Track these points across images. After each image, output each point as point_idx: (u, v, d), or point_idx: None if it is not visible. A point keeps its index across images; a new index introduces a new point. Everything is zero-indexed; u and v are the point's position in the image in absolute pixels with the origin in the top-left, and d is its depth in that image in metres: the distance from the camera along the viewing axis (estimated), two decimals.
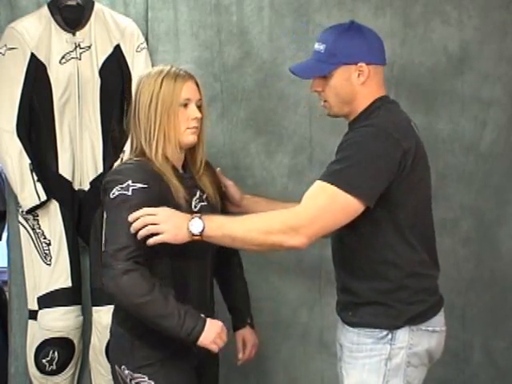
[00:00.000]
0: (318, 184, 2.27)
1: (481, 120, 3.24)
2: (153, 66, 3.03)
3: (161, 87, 2.42)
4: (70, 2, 3.04)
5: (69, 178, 3.05)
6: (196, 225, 2.29)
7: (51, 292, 3.04)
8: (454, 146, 3.25)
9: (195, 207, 2.46)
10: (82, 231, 3.08)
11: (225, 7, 3.17)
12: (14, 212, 3.13)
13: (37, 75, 2.99)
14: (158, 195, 2.36)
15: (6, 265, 3.25)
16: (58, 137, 3.02)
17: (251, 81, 3.19)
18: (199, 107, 2.47)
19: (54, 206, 3.04)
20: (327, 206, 2.24)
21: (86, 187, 3.06)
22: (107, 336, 2.91)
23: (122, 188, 2.35)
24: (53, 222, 3.04)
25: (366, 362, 2.35)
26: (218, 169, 2.70)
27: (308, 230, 2.24)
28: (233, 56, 3.18)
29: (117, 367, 2.48)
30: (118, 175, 2.40)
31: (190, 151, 2.53)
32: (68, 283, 3.05)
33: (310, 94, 2.51)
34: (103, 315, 2.98)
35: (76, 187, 3.07)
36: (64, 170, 3.04)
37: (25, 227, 3.07)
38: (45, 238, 3.05)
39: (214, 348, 2.36)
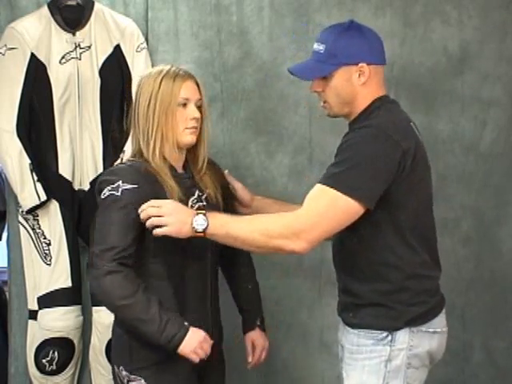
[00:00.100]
0: (318, 187, 2.27)
1: (481, 120, 3.24)
2: (153, 65, 3.03)
3: (159, 87, 2.41)
4: (70, 2, 3.04)
5: (69, 178, 3.05)
6: (200, 222, 2.29)
7: (51, 292, 3.05)
8: (454, 146, 3.25)
9: (192, 207, 2.45)
10: (81, 231, 3.08)
11: (225, 7, 3.17)
12: (14, 212, 3.13)
13: (37, 75, 2.99)
14: (149, 196, 2.36)
15: (6, 265, 3.25)
16: (58, 137, 3.02)
17: (251, 81, 3.19)
18: (199, 107, 2.46)
19: (54, 206, 3.04)
20: (328, 210, 2.23)
21: (86, 187, 3.06)
22: (107, 336, 2.92)
23: (112, 188, 2.36)
24: (53, 222, 3.04)
25: (366, 363, 2.35)
26: (227, 171, 2.69)
27: (309, 236, 2.24)
28: (233, 56, 3.18)
29: (115, 367, 2.48)
30: (110, 176, 2.42)
31: (192, 151, 2.52)
32: (68, 283, 3.05)
33: (310, 94, 2.51)
34: (103, 315, 2.97)
35: (76, 187, 3.07)
36: (64, 170, 3.04)
37: (25, 227, 3.07)
38: (45, 238, 3.05)
39: (194, 358, 2.34)
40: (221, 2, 3.17)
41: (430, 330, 2.36)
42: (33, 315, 3.08)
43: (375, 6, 3.19)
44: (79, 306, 3.09)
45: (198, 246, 2.42)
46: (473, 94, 3.23)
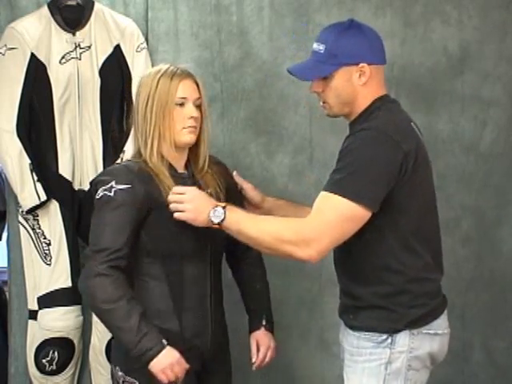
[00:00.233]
0: (323, 195, 2.25)
1: (481, 120, 3.24)
2: (153, 65, 3.03)
3: (157, 86, 2.41)
4: (69, 2, 3.04)
5: (69, 178, 3.05)
6: (217, 214, 2.31)
7: (51, 292, 3.05)
8: (454, 146, 3.25)
9: None
10: (81, 231, 3.07)
11: (225, 7, 3.17)
12: (14, 212, 3.13)
13: (37, 75, 2.99)
14: (142, 195, 2.36)
15: (6, 265, 3.25)
16: (58, 137, 3.02)
17: (251, 81, 3.19)
18: (199, 106, 2.45)
19: (54, 206, 3.04)
20: (335, 218, 2.21)
21: (86, 187, 3.05)
22: (107, 336, 2.92)
23: (105, 189, 2.37)
24: (53, 221, 3.04)
25: (366, 366, 2.33)
26: (235, 172, 2.68)
27: (318, 246, 2.22)
28: (233, 56, 3.18)
29: (113, 367, 2.49)
30: (104, 176, 2.43)
31: (193, 150, 2.51)
32: (68, 283, 3.05)
33: (310, 94, 2.50)
34: None
35: (76, 187, 3.07)
36: (64, 170, 3.04)
37: (25, 227, 3.07)
38: (45, 238, 3.05)
39: (162, 378, 2.32)
40: (221, 2, 3.17)
41: (431, 331, 2.35)
42: (33, 315, 3.08)
43: (375, 6, 3.19)
44: (79, 306, 3.08)
45: (196, 246, 2.42)
46: (473, 94, 3.23)
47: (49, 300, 3.04)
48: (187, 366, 2.36)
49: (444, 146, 3.23)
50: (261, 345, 2.60)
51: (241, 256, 2.66)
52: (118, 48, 3.05)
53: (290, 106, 3.20)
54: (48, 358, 3.06)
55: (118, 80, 3.06)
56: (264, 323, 2.63)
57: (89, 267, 2.35)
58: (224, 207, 2.32)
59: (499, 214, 3.28)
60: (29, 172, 2.99)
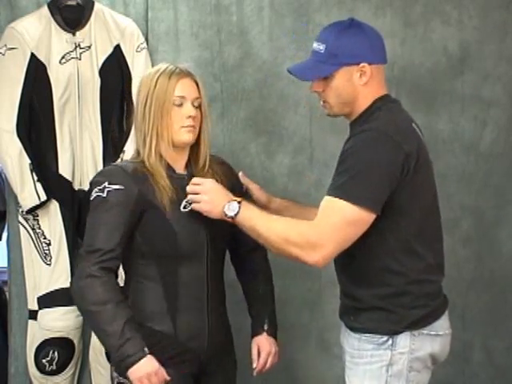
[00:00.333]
0: (327, 199, 2.24)
1: (481, 120, 3.25)
2: (153, 65, 3.02)
3: (155, 85, 2.40)
4: (69, 2, 3.04)
5: (69, 178, 3.05)
6: (232, 208, 2.32)
7: (51, 292, 3.05)
8: (454, 145, 3.25)
9: (184, 207, 2.42)
10: (82, 231, 3.04)
11: (225, 7, 3.17)
12: (14, 212, 3.13)
13: (37, 75, 2.99)
14: (136, 196, 2.36)
15: (6, 265, 3.25)
16: (58, 137, 3.02)
17: (251, 81, 3.19)
18: (198, 106, 2.44)
19: (54, 206, 3.04)
20: (340, 223, 2.20)
21: (86, 187, 3.04)
22: None
23: (99, 190, 2.37)
24: (53, 221, 3.04)
25: (367, 368, 2.32)
26: (241, 173, 2.66)
27: (324, 251, 2.22)
28: (233, 56, 3.18)
29: (110, 367, 2.49)
30: (99, 177, 2.43)
31: (193, 150, 2.50)
32: (68, 283, 3.02)
33: (310, 94, 2.50)
34: None
35: (76, 187, 3.07)
36: (64, 170, 3.04)
37: (25, 227, 3.07)
38: (45, 238, 3.05)
39: None
40: (221, 2, 3.17)
41: (432, 332, 2.33)
42: (33, 315, 3.08)
43: (375, 6, 3.19)
44: None
45: (192, 246, 2.41)
46: (473, 94, 3.23)
47: (49, 300, 3.04)
48: (167, 378, 2.34)
49: (444, 146, 3.23)
50: (262, 350, 2.55)
51: (245, 257, 2.64)
52: (118, 48, 3.05)
53: (290, 106, 3.20)
54: (48, 358, 3.06)
55: (118, 80, 3.06)
56: (266, 328, 2.57)
57: (81, 268, 2.35)
58: (239, 202, 2.33)
59: (499, 214, 3.28)
60: (29, 172, 2.99)
